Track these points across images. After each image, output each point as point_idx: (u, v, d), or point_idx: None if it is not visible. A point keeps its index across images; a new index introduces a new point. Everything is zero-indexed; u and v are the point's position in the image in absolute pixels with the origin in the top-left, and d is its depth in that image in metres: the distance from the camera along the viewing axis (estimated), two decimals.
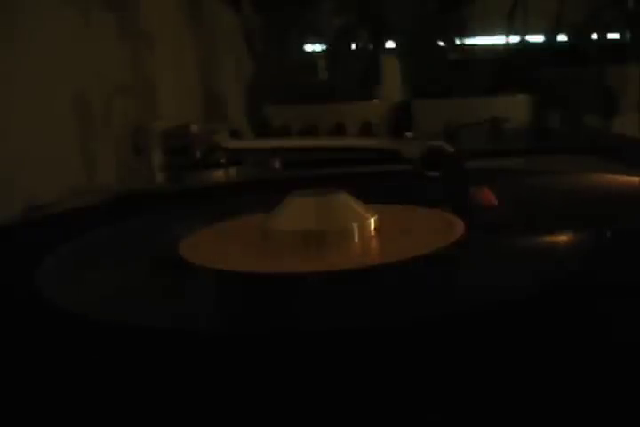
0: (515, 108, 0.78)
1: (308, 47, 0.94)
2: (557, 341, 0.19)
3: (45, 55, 0.60)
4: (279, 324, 0.22)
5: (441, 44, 0.89)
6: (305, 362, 0.18)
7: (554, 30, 0.89)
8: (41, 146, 0.58)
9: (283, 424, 0.15)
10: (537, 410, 0.15)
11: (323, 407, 0.16)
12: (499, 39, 0.91)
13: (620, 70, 0.82)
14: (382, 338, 0.19)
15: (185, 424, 0.16)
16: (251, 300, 0.25)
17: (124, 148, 0.63)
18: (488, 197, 0.34)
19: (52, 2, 0.62)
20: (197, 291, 0.27)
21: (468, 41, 0.92)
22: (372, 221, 0.30)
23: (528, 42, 0.91)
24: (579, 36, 0.89)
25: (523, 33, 0.90)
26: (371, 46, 0.90)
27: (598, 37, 0.89)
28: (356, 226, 0.30)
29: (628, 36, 0.89)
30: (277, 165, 0.59)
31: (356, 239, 0.30)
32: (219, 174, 0.58)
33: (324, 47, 0.93)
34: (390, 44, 0.91)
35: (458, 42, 0.91)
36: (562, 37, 0.90)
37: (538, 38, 0.91)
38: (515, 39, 0.90)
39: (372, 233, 0.30)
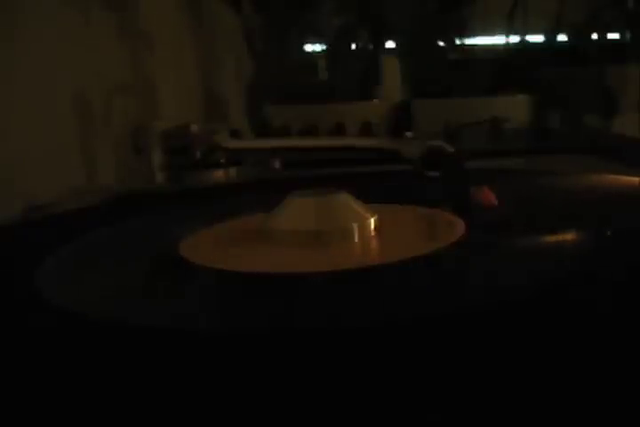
0: (515, 108, 0.78)
1: (308, 47, 0.94)
2: (557, 341, 0.19)
3: (45, 55, 0.60)
4: (279, 324, 0.22)
5: (441, 44, 0.89)
6: (304, 362, 0.18)
7: (554, 30, 0.89)
8: (41, 146, 0.58)
9: (282, 424, 0.15)
10: (537, 410, 0.15)
11: (323, 407, 0.16)
12: (499, 39, 0.91)
13: (620, 70, 0.82)
14: (382, 338, 0.19)
15: (184, 424, 0.16)
16: (251, 300, 0.25)
17: (124, 147, 0.63)
18: (488, 197, 0.34)
19: (52, 2, 0.62)
20: (197, 291, 0.27)
21: (468, 41, 0.92)
22: (372, 221, 0.30)
23: (528, 42, 0.91)
24: (579, 36, 0.89)
25: (523, 33, 0.90)
26: (371, 46, 0.90)
27: (598, 37, 0.89)
28: (355, 226, 0.30)
29: (628, 36, 0.89)
30: (277, 165, 0.59)
31: (356, 239, 0.30)
32: (219, 174, 0.58)
33: (324, 47, 0.93)
34: (390, 44, 0.91)
35: (458, 42, 0.91)
36: (562, 37, 0.90)
37: (538, 38, 0.91)
38: (515, 39, 0.90)
39: (372, 233, 0.30)
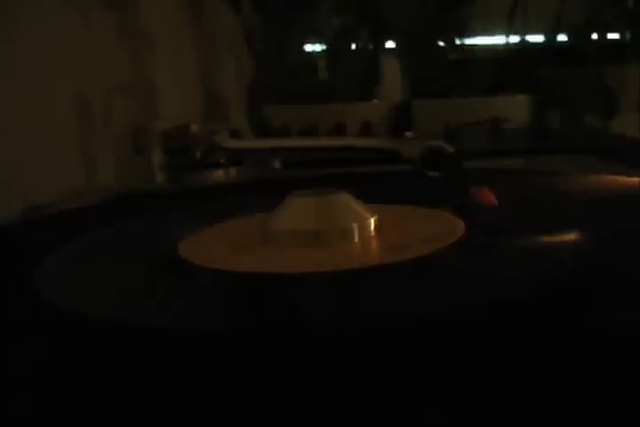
0: (515, 108, 0.78)
1: (308, 47, 0.94)
2: (557, 341, 0.19)
3: (45, 55, 0.60)
4: (279, 324, 0.22)
5: (441, 44, 0.89)
6: (304, 362, 0.18)
7: (554, 30, 0.89)
8: (41, 146, 0.58)
9: (282, 424, 0.15)
10: (537, 410, 0.15)
11: (323, 407, 0.16)
12: (499, 39, 0.91)
13: (620, 70, 0.82)
14: (382, 338, 0.19)
15: (184, 424, 0.16)
16: (250, 300, 0.25)
17: (124, 147, 0.63)
18: (488, 197, 0.34)
19: (52, 2, 0.62)
20: (197, 291, 0.27)
21: (468, 41, 0.92)
22: (372, 221, 0.30)
23: (528, 42, 0.91)
24: (579, 36, 0.89)
25: (523, 33, 0.90)
26: (371, 46, 0.90)
27: (598, 37, 0.89)
28: (355, 226, 0.30)
29: (628, 36, 0.89)
30: (277, 165, 0.59)
31: (356, 239, 0.30)
32: (219, 174, 0.58)
33: (324, 47, 0.93)
34: (390, 44, 0.91)
35: (458, 42, 0.91)
36: (562, 37, 0.90)
37: (538, 38, 0.91)
38: (515, 39, 0.90)
39: (372, 233, 0.30)
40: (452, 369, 0.17)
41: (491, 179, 0.39)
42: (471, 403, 0.15)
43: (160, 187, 0.56)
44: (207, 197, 0.46)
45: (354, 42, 0.90)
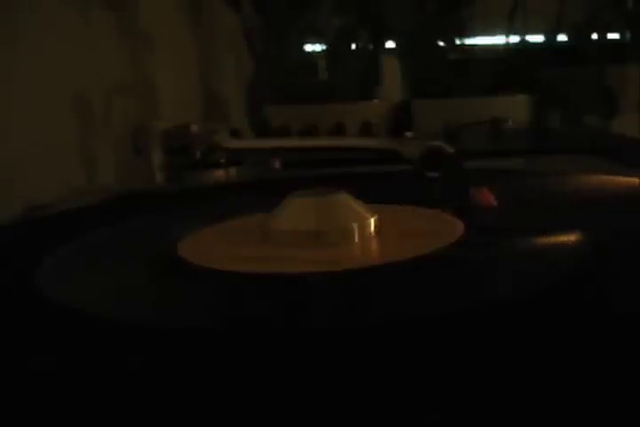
0: (515, 108, 0.78)
1: (308, 47, 0.94)
2: (557, 341, 0.19)
3: (45, 55, 0.60)
4: (279, 324, 0.22)
5: (441, 44, 0.89)
6: (304, 362, 0.18)
7: (554, 30, 0.89)
8: (41, 146, 0.58)
9: (282, 424, 0.15)
10: (537, 410, 0.15)
11: (323, 407, 0.16)
12: (499, 39, 0.91)
13: (620, 70, 0.82)
14: (382, 338, 0.19)
15: (184, 423, 0.16)
16: (251, 300, 0.25)
17: (124, 147, 0.63)
18: (487, 197, 0.34)
19: (52, 2, 0.62)
20: (197, 291, 0.27)
21: (468, 41, 0.92)
22: (372, 221, 0.30)
23: (528, 42, 0.91)
24: (579, 36, 0.89)
25: (523, 33, 0.90)
26: (371, 46, 0.90)
27: (598, 37, 0.89)
28: (355, 226, 0.30)
29: (628, 36, 0.89)
30: (277, 165, 0.59)
31: (356, 239, 0.30)
32: (219, 174, 0.58)
33: (324, 47, 0.93)
34: (390, 45, 0.91)
35: (458, 42, 0.90)
36: (562, 37, 0.90)
37: (538, 38, 0.91)
38: (515, 39, 0.90)
39: (372, 233, 0.30)
40: (451, 369, 0.17)
41: (490, 179, 0.39)
42: (471, 403, 0.15)
43: (160, 187, 0.56)
44: (207, 197, 0.46)
45: (354, 42, 0.90)
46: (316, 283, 0.25)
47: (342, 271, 0.26)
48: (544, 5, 0.88)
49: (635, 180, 0.39)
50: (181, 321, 0.22)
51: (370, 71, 0.89)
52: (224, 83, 0.96)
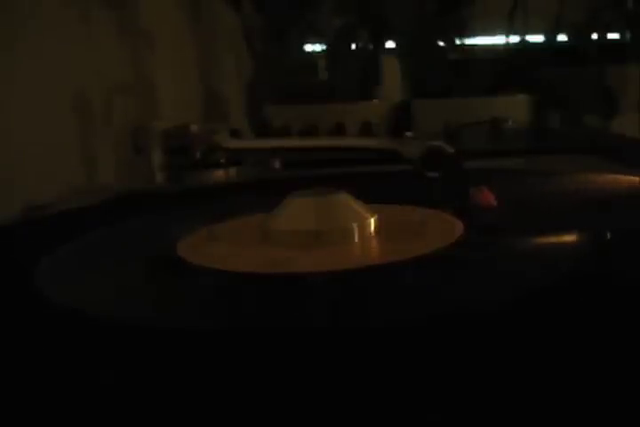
0: (515, 108, 0.78)
1: (308, 47, 0.94)
2: (557, 341, 0.19)
3: (45, 54, 0.60)
4: (279, 324, 0.22)
5: (441, 44, 0.89)
6: (304, 362, 0.18)
7: (554, 30, 0.89)
8: (41, 146, 0.58)
9: (282, 424, 0.15)
10: (537, 410, 0.15)
11: (323, 407, 0.16)
12: (499, 39, 0.91)
13: (620, 70, 0.82)
14: (382, 338, 0.19)
15: (184, 423, 0.16)
16: (250, 300, 0.25)
17: (124, 147, 0.63)
18: (487, 197, 0.34)
19: (52, 2, 0.62)
20: (197, 291, 0.27)
21: (468, 41, 0.92)
22: (372, 221, 0.30)
23: (528, 42, 0.91)
24: (579, 35, 0.89)
25: (523, 33, 0.90)
26: (371, 46, 0.90)
27: (598, 37, 0.89)
28: (355, 226, 0.30)
29: (628, 36, 0.89)
30: (277, 165, 0.59)
31: (356, 239, 0.30)
32: (219, 174, 0.58)
33: (324, 47, 0.93)
34: (390, 44, 0.91)
35: (458, 42, 0.90)
36: (562, 37, 0.90)
37: (538, 38, 0.91)
38: (515, 39, 0.90)
39: (372, 233, 0.30)
40: (451, 369, 0.17)
41: (491, 179, 0.39)
42: (471, 403, 0.15)
43: (160, 187, 0.56)
44: (207, 197, 0.46)
45: (354, 42, 0.90)
46: (316, 283, 0.25)
47: (342, 271, 0.26)
48: (544, 5, 0.88)
49: (635, 179, 0.39)
50: (181, 321, 0.22)
51: (370, 71, 0.89)
52: (224, 82, 0.96)
